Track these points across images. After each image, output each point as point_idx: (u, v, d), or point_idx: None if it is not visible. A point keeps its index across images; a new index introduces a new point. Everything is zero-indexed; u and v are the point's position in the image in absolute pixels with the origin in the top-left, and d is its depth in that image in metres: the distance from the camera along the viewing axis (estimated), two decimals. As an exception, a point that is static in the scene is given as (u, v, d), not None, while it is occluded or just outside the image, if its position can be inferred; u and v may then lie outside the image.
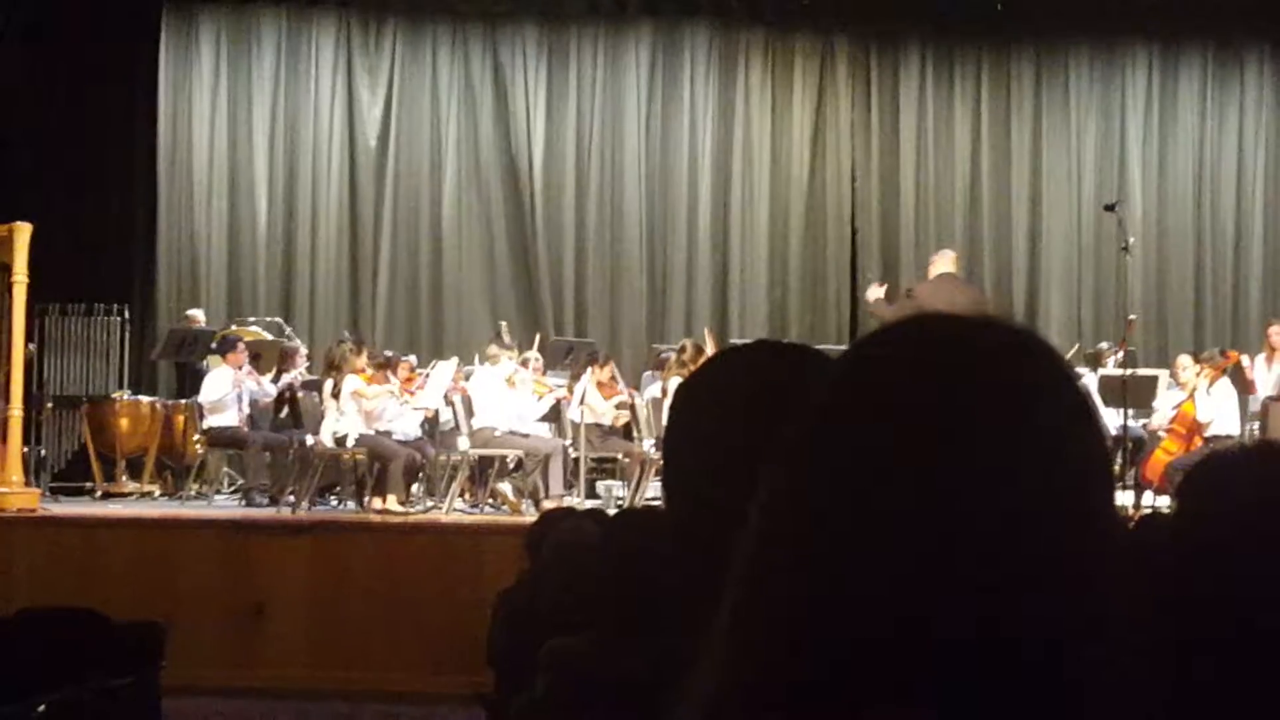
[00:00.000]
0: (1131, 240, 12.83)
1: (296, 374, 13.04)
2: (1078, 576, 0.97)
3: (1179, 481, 1.48)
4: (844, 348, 1.09)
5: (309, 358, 13.69)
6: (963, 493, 0.95)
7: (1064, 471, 0.98)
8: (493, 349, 12.65)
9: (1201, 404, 12.17)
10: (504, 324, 13.80)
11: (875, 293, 12.53)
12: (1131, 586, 1.02)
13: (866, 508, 0.96)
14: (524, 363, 12.69)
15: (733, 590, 1.02)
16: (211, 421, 12.52)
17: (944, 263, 12.26)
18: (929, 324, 1.04)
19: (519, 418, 12.27)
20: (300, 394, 12.83)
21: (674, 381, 11.38)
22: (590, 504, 11.39)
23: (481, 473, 12.41)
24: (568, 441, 12.45)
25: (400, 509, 11.40)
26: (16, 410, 11.36)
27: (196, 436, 12.89)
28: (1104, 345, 14.41)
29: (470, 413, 12.33)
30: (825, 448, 0.99)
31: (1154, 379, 13.11)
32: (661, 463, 1.76)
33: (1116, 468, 12.18)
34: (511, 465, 12.47)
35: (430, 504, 12.03)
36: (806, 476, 1.00)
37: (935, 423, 0.97)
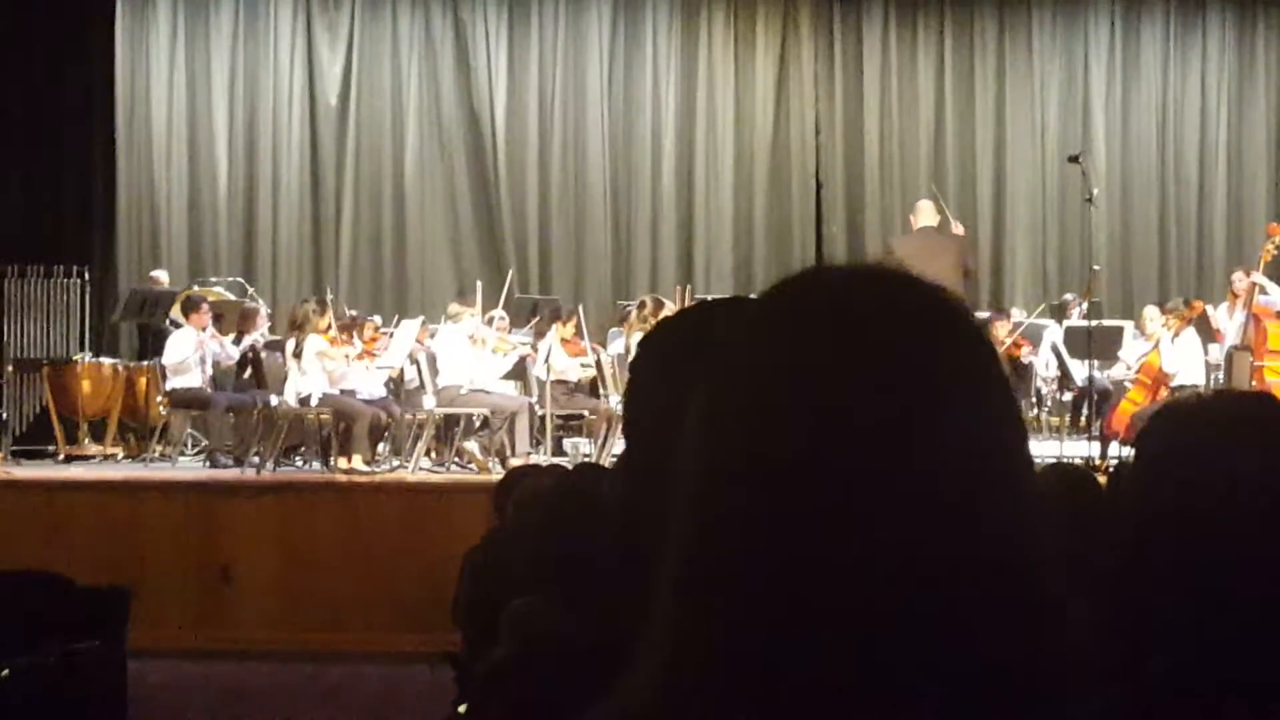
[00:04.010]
0: (1095, 192, 12.85)
1: (258, 335, 12.99)
2: (992, 529, 0.96)
3: (1138, 432, 1.47)
4: None
5: (271, 318, 13.63)
6: (874, 448, 0.94)
7: (972, 425, 0.97)
8: (455, 307, 12.60)
9: (1167, 354, 12.20)
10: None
11: None
12: (1055, 541, 1.00)
13: (771, 465, 0.95)
14: (488, 320, 12.65)
15: (671, 548, 1.01)
16: (174, 383, 12.45)
17: (925, 215, 12.12)
18: (825, 279, 1.03)
19: (484, 376, 12.24)
20: (263, 354, 12.77)
21: (636, 337, 11.36)
22: (557, 461, 11.38)
23: (447, 431, 12.38)
24: (533, 399, 12.43)
25: (366, 469, 11.37)
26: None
27: (159, 398, 12.83)
28: (1069, 296, 14.45)
29: (435, 371, 12.30)
30: (726, 404, 0.99)
31: (1119, 330, 13.16)
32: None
33: (1083, 419, 12.25)
34: (477, 423, 12.44)
35: (396, 463, 12.00)
36: (711, 434, 0.99)
37: (840, 376, 0.96)
